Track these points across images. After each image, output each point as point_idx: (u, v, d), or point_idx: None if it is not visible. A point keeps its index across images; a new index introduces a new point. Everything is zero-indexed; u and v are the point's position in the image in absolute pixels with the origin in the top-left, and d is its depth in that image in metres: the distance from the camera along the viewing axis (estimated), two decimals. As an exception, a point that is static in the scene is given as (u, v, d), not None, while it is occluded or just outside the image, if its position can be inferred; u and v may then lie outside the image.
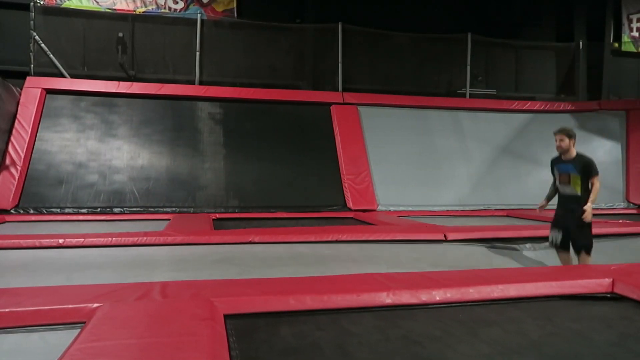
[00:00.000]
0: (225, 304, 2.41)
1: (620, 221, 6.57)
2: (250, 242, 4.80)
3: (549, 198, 4.36)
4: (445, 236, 5.30)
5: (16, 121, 7.77)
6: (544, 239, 5.34)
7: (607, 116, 10.32)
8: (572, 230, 4.01)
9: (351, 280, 2.89)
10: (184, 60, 9.61)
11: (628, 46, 12.61)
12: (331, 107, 9.25)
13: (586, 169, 3.96)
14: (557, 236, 4.13)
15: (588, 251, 3.99)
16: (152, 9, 9.98)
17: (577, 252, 4.03)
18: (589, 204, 3.92)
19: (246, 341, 2.09)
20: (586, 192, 3.98)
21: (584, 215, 3.89)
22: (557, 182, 4.14)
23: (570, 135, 4.07)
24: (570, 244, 4.07)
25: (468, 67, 10.60)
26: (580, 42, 11.42)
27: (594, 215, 3.94)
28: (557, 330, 2.31)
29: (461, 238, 5.26)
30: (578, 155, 4.04)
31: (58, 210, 7.26)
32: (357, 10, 10.70)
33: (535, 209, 4.53)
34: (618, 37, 12.52)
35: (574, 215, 3.95)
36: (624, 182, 9.60)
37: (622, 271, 3.07)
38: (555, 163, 4.20)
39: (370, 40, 10.25)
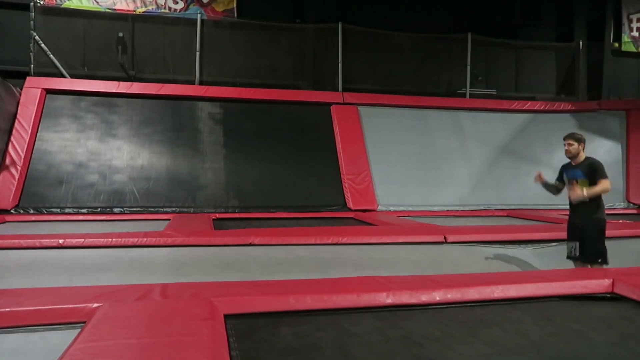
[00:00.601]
0: (226, 304, 2.41)
1: (621, 221, 6.57)
2: (250, 244, 4.79)
3: (548, 186, 4.34)
4: (445, 237, 5.31)
5: (16, 121, 7.77)
6: (544, 241, 5.35)
7: (607, 116, 10.32)
8: (584, 237, 3.94)
9: (351, 281, 2.89)
10: (184, 60, 9.60)
11: (628, 46, 12.61)
12: (331, 107, 9.25)
13: (592, 170, 3.89)
14: (575, 246, 4.05)
15: (602, 260, 3.89)
16: (152, 9, 9.97)
17: (591, 262, 3.92)
18: (587, 191, 3.86)
19: (246, 341, 2.09)
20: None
21: (572, 194, 3.87)
22: (568, 189, 4.10)
23: (579, 140, 4.03)
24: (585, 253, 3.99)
25: (468, 67, 10.60)
26: (580, 42, 11.42)
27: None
28: (557, 330, 2.31)
29: (461, 240, 5.26)
30: (586, 159, 4.00)
31: (58, 210, 7.26)
32: (357, 10, 10.69)
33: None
34: (618, 37, 12.51)
35: (585, 222, 3.90)
36: (624, 182, 9.59)
37: (622, 271, 3.08)
38: (565, 169, 4.16)
39: (370, 40, 10.24)
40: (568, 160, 4.15)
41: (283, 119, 9.04)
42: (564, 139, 4.11)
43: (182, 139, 8.43)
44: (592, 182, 3.90)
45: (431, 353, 2.02)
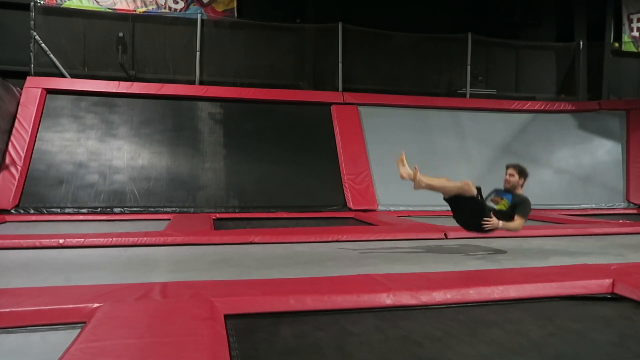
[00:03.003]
0: (226, 304, 2.41)
1: (621, 221, 6.57)
2: (250, 243, 4.80)
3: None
4: (445, 235, 5.32)
5: (16, 121, 7.77)
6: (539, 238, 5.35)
7: (607, 116, 10.32)
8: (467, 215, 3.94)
9: (351, 281, 2.90)
10: (184, 60, 9.61)
11: (628, 46, 12.61)
12: (331, 107, 9.25)
13: (519, 202, 3.86)
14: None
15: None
16: (152, 9, 9.98)
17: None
18: (503, 223, 3.84)
19: (246, 341, 2.09)
20: (504, 216, 3.88)
21: (487, 223, 3.81)
22: (489, 201, 4.06)
23: (522, 172, 3.95)
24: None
25: (468, 67, 10.60)
26: (580, 42, 11.42)
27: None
28: (558, 330, 2.31)
29: (461, 237, 5.27)
30: (521, 195, 3.95)
31: (58, 210, 7.26)
32: (357, 10, 10.71)
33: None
34: (618, 37, 12.52)
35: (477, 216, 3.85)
36: (624, 182, 9.59)
37: (622, 271, 3.08)
38: (496, 190, 4.11)
39: (370, 40, 10.25)
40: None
41: (283, 119, 9.04)
42: (507, 167, 4.03)
43: (182, 139, 8.43)
44: (512, 212, 3.87)
45: (431, 353, 2.02)
